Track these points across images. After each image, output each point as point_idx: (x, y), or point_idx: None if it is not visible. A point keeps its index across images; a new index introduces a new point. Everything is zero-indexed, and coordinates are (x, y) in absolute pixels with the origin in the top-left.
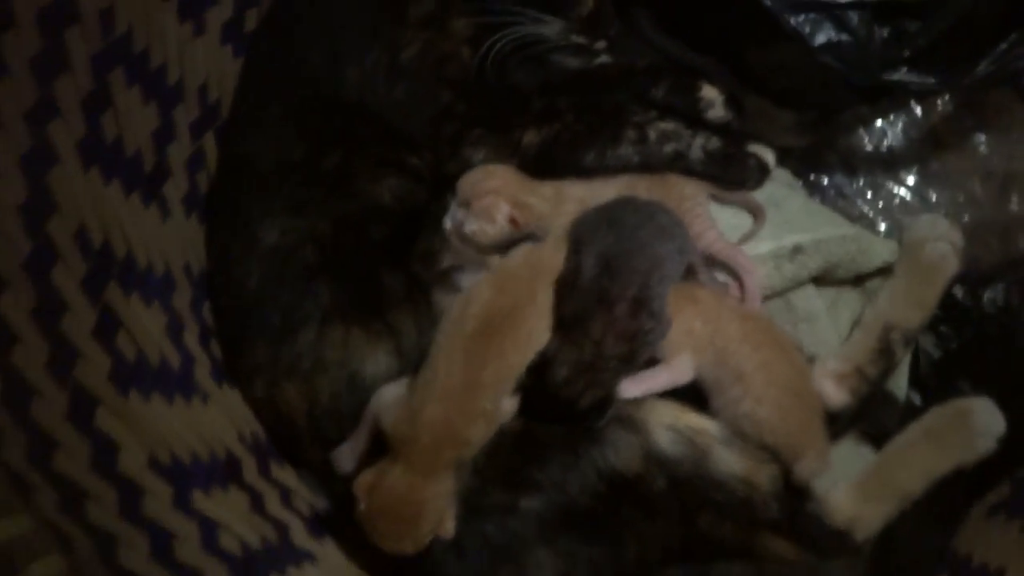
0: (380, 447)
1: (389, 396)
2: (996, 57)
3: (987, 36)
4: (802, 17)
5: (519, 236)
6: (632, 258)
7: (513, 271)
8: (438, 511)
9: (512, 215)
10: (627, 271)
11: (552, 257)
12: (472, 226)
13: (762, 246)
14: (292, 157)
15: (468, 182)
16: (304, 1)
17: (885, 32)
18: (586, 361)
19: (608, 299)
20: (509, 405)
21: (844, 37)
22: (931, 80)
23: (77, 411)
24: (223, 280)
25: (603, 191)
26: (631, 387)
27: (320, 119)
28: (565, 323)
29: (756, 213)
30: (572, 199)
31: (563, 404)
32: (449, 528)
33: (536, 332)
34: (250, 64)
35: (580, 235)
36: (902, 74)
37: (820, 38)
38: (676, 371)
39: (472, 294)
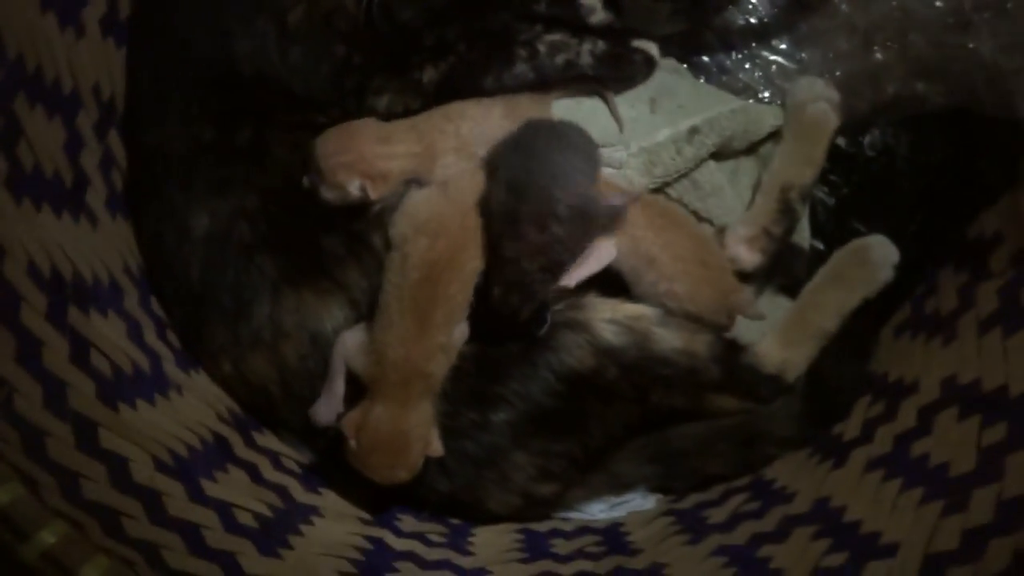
0: (355, 389)
1: (352, 342)
2: None
3: None
4: None
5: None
6: (533, 175)
7: (440, 212)
8: (423, 436)
9: (364, 186)
10: (530, 188)
11: (473, 186)
12: (328, 195)
13: (660, 134)
14: (203, 139)
15: (320, 153)
16: None
17: None
18: (511, 280)
19: (516, 218)
20: (461, 332)
21: None
22: None
23: (83, 439)
24: (166, 273)
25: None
26: (566, 280)
27: (222, 97)
28: (491, 246)
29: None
30: (433, 128)
31: (505, 320)
32: (437, 447)
33: (476, 265)
34: (135, 53)
35: (491, 162)
36: None
37: None
38: (601, 253)
39: (408, 245)
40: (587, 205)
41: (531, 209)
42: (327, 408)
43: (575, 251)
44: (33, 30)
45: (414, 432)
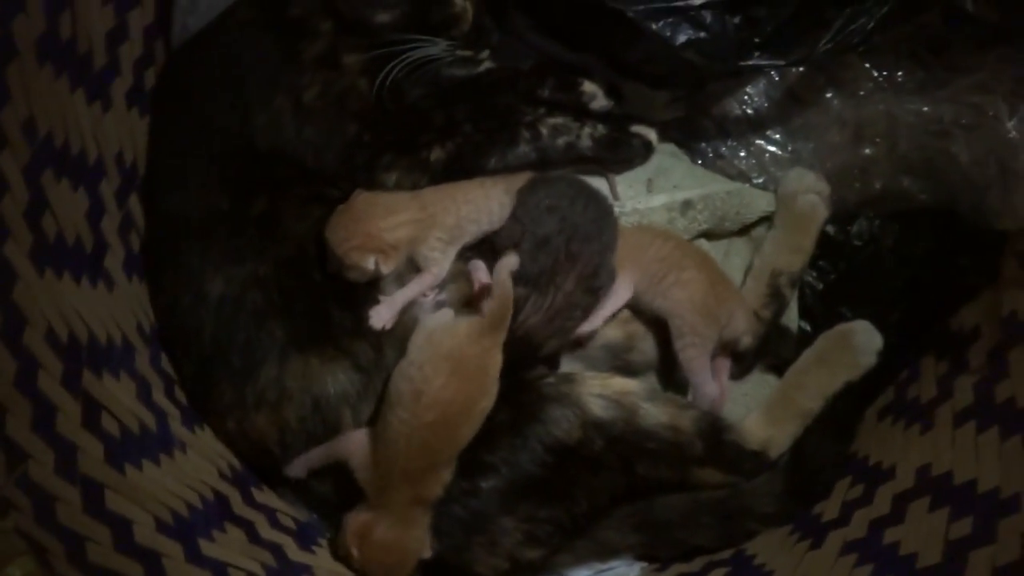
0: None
1: (358, 447)
2: (835, 32)
3: (826, 14)
4: (662, 22)
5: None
6: (593, 230)
7: (460, 350)
8: (421, 547)
9: (379, 261)
10: (594, 240)
11: (493, 329)
12: (352, 275)
13: (655, 199)
14: (220, 208)
15: (332, 241)
16: (202, 57)
17: (737, 20)
18: (556, 308)
19: (579, 260)
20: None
21: (702, 34)
22: (781, 61)
23: (91, 502)
24: (178, 334)
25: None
26: (592, 323)
27: (238, 168)
28: (533, 278)
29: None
30: (437, 202)
31: (528, 349)
32: (427, 552)
33: (488, 404)
34: (158, 123)
35: (538, 217)
36: (756, 58)
37: (681, 37)
38: (620, 292)
39: (423, 380)
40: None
41: (592, 256)
42: (300, 469)
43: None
44: (63, 107)
45: (414, 547)
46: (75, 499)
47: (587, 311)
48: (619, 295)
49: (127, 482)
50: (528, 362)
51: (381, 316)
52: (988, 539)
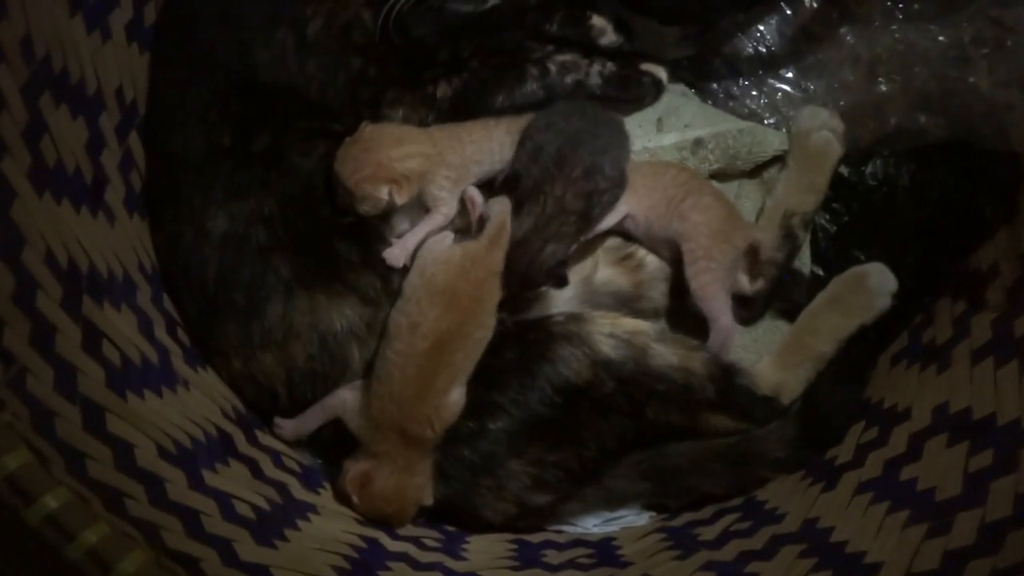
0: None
1: (351, 402)
2: None
3: None
4: None
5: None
6: (585, 136)
7: (455, 284)
8: (421, 494)
9: (392, 191)
10: (587, 143)
11: (489, 256)
12: (364, 208)
13: (666, 138)
14: (222, 144)
15: (342, 174)
16: None
17: None
18: (549, 214)
19: (567, 165)
20: (459, 395)
21: None
22: None
23: (90, 422)
24: (181, 273)
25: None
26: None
27: (241, 104)
28: (525, 190)
29: None
30: (443, 140)
31: (526, 258)
32: (429, 499)
33: (485, 334)
34: (158, 60)
35: (537, 133)
36: None
37: None
38: (619, 207)
39: (419, 313)
40: (623, 176)
41: (582, 160)
42: (292, 433)
43: (603, 213)
44: (60, 32)
45: (415, 493)
46: (74, 417)
47: (583, 217)
48: (618, 209)
49: (128, 408)
50: (533, 277)
51: (397, 256)
52: (1009, 468)
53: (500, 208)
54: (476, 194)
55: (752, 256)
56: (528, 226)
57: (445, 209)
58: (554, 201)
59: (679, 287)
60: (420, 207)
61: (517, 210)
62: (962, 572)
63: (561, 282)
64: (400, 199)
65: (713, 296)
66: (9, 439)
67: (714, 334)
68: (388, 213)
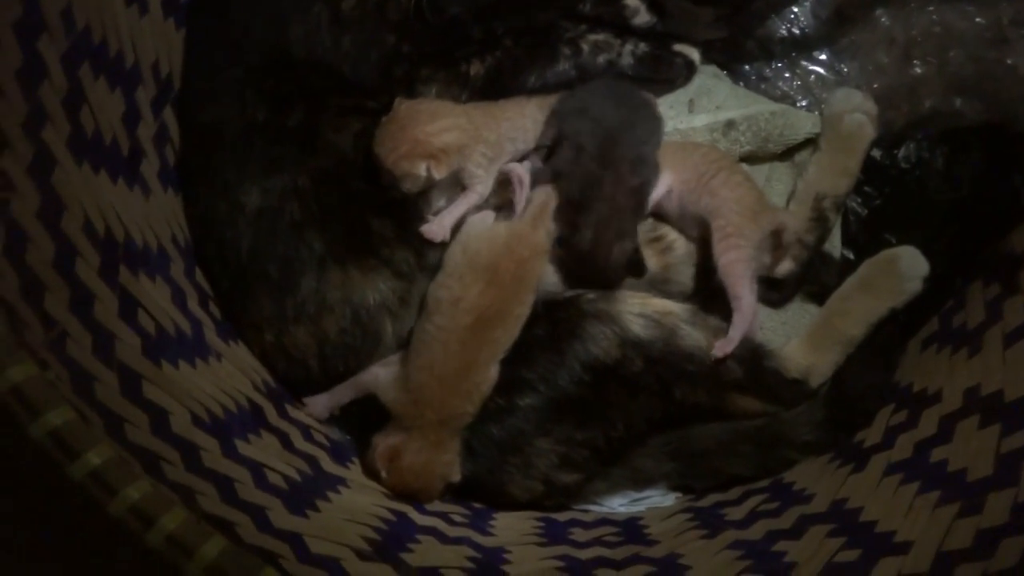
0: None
1: (384, 377)
2: None
3: None
4: None
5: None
6: (624, 128)
7: (498, 261)
8: (450, 471)
9: (430, 167)
10: (623, 141)
11: (532, 234)
12: (407, 186)
13: (697, 120)
14: (256, 119)
15: (380, 154)
16: None
17: None
18: (605, 217)
19: (611, 165)
20: (495, 372)
21: None
22: None
23: (127, 387)
24: (214, 247)
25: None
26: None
27: (275, 79)
28: (576, 202)
29: None
30: (479, 116)
31: (599, 263)
32: (456, 475)
33: (524, 311)
34: (193, 35)
35: (572, 121)
36: None
37: None
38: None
39: (461, 288)
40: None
41: (626, 155)
42: (322, 409)
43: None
44: (100, 4)
45: (443, 470)
46: (112, 382)
47: (637, 209)
48: (662, 182)
49: (164, 376)
50: (613, 279)
51: (435, 232)
52: None
53: (544, 188)
54: (523, 172)
55: (781, 239)
56: (590, 237)
57: (480, 188)
58: (607, 204)
59: (706, 270)
60: (457, 185)
61: (574, 222)
62: (995, 550)
63: (641, 270)
64: (438, 174)
65: (739, 275)
66: (53, 396)
67: (737, 315)
68: (426, 190)
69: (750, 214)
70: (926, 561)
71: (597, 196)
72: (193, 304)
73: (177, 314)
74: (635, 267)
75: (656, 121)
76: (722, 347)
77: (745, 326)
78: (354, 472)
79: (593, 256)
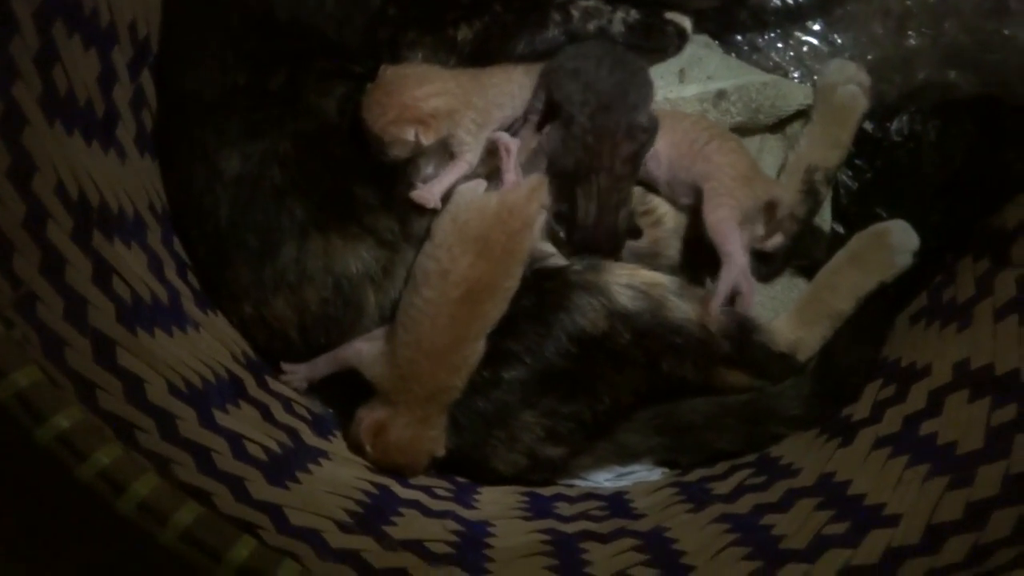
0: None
1: (368, 352)
2: None
3: None
4: None
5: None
6: (618, 95)
7: (488, 232)
8: (435, 446)
9: (419, 132)
10: (616, 108)
11: (525, 206)
12: (395, 152)
13: (687, 89)
14: (237, 83)
15: (368, 120)
16: None
17: None
18: (606, 188)
19: (606, 134)
20: (481, 347)
21: None
22: None
23: (101, 353)
24: (193, 213)
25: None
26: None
27: (257, 41)
28: (573, 174)
29: None
30: (467, 82)
31: (608, 234)
32: (441, 450)
33: (514, 284)
34: None
35: (565, 85)
36: None
37: None
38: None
39: (450, 260)
40: (655, 119)
41: (619, 123)
42: (300, 378)
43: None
44: None
45: (429, 445)
46: (85, 348)
47: (634, 174)
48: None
49: (139, 343)
50: (617, 245)
51: (426, 199)
52: None
53: (538, 175)
54: (509, 140)
55: (772, 212)
56: (595, 210)
57: (469, 156)
58: (606, 175)
59: (695, 241)
60: (445, 152)
61: (571, 196)
62: (987, 522)
63: (638, 232)
64: (427, 140)
65: (729, 231)
66: (19, 356)
67: (725, 270)
68: (414, 156)
69: (743, 179)
70: (916, 533)
71: (595, 167)
72: (171, 272)
73: (153, 281)
74: (634, 233)
75: (649, 86)
76: (709, 301)
77: (732, 279)
78: (336, 445)
79: (599, 228)
